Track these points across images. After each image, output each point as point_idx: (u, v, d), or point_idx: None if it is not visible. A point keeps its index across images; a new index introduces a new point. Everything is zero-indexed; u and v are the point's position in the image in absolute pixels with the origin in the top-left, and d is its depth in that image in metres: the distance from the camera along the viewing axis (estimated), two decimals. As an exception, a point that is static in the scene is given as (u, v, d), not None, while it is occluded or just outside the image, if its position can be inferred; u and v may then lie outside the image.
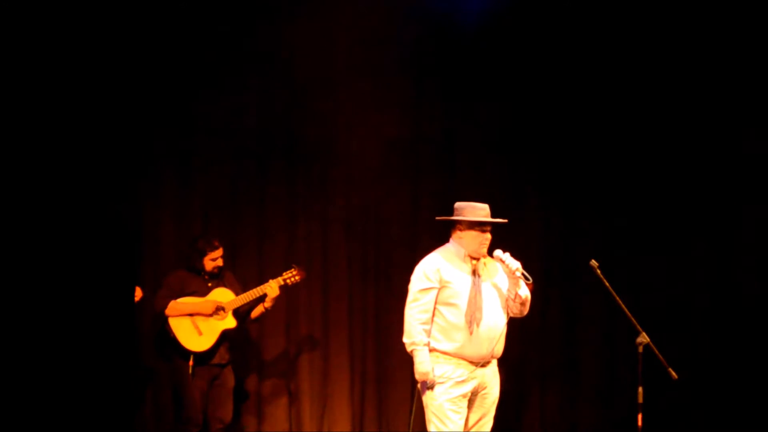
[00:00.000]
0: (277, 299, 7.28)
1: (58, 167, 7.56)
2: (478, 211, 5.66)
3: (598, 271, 5.63)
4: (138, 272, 7.81)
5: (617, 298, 5.61)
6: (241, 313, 7.24)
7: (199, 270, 7.23)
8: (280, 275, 7.27)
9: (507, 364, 7.93)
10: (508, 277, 5.68)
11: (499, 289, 5.67)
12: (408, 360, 5.75)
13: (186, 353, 7.08)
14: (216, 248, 7.24)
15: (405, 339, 5.61)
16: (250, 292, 7.18)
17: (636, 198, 7.98)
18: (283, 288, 7.32)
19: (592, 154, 8.06)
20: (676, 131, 7.94)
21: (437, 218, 5.85)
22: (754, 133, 7.76)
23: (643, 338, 5.54)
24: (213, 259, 7.22)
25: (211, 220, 7.93)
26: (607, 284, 5.63)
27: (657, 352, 5.57)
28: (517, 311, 5.72)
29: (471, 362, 5.55)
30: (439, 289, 5.57)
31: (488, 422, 5.69)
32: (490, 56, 8.04)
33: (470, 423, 5.63)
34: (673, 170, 7.94)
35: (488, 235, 5.65)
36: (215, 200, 7.98)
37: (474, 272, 5.62)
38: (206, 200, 7.97)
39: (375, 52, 7.90)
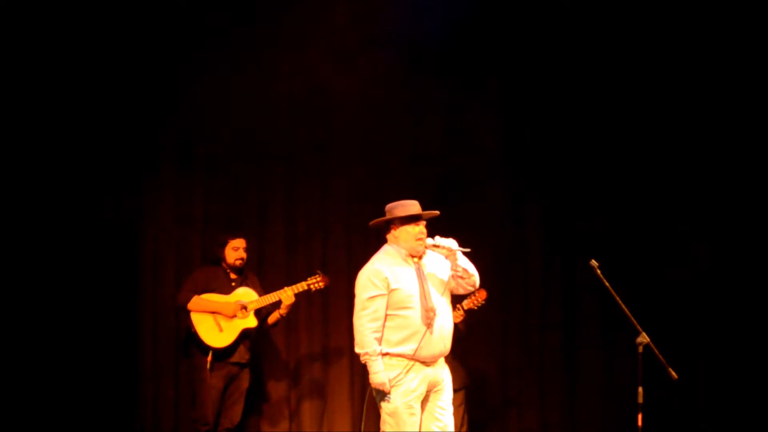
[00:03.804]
0: (292, 306, 7.27)
1: (59, 168, 7.58)
2: (409, 206, 5.60)
3: (598, 271, 5.62)
4: (138, 271, 7.83)
5: (617, 298, 5.60)
6: (261, 315, 7.26)
7: (221, 260, 7.25)
8: (304, 280, 7.27)
9: (508, 364, 8.02)
10: (448, 258, 5.62)
11: (443, 285, 5.63)
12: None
13: (205, 348, 7.10)
14: (238, 236, 7.28)
15: (357, 349, 5.54)
16: (267, 296, 7.20)
17: (637, 198, 7.98)
18: (307, 293, 7.33)
19: (592, 153, 8.06)
20: (677, 130, 7.94)
21: (370, 224, 5.77)
22: (756, 133, 7.77)
23: (643, 338, 5.53)
24: (235, 249, 7.24)
25: (211, 220, 7.94)
26: (607, 284, 5.62)
27: (657, 352, 5.57)
28: (470, 286, 5.66)
29: (424, 363, 5.53)
30: (388, 295, 5.51)
31: (447, 418, 5.61)
32: (489, 54, 8.05)
33: (426, 422, 5.58)
34: (674, 169, 7.94)
35: (423, 228, 5.59)
36: (216, 200, 7.99)
37: (419, 271, 5.59)
38: (207, 200, 7.98)
39: (375, 52, 7.91)
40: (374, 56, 7.92)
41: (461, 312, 6.99)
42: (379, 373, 5.47)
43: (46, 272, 7.50)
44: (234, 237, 7.30)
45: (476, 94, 8.06)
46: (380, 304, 5.50)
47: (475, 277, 5.66)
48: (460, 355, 7.23)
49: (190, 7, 7.79)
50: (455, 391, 7.05)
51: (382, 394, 5.52)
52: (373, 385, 5.52)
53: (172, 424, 7.83)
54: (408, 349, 5.49)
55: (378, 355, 5.48)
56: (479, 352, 7.78)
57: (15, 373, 7.38)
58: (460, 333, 7.10)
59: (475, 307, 7.02)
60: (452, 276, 5.64)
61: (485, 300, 7.02)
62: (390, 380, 5.49)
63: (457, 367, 7.16)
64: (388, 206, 5.66)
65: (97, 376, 7.54)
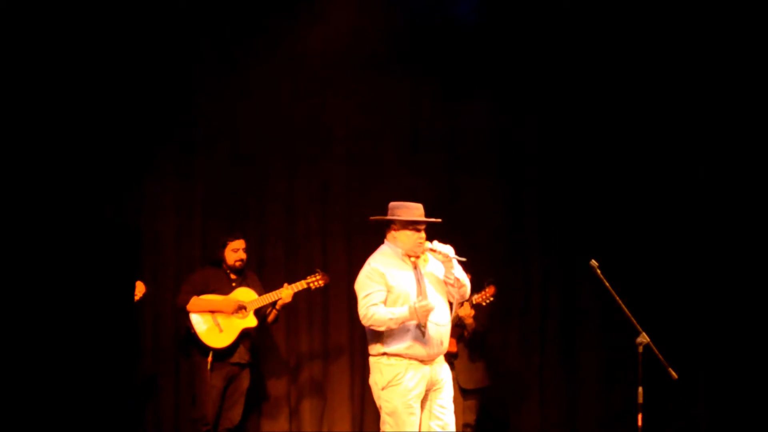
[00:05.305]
0: (287, 306, 7.32)
1: (59, 166, 7.56)
2: (413, 210, 5.61)
3: (598, 271, 5.62)
4: (139, 272, 7.83)
5: (617, 298, 5.60)
6: (261, 314, 7.27)
7: (221, 262, 7.27)
8: (303, 279, 7.29)
9: (507, 364, 8.02)
10: (444, 265, 5.63)
11: (440, 283, 5.64)
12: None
13: (205, 349, 7.13)
14: (237, 238, 7.31)
15: (381, 328, 5.48)
16: (267, 295, 7.23)
17: (636, 198, 7.98)
18: (307, 292, 7.37)
19: (592, 153, 8.06)
20: (676, 130, 7.95)
21: (371, 218, 5.79)
22: (755, 131, 7.78)
23: (643, 338, 5.54)
24: (234, 250, 7.28)
25: (211, 221, 7.94)
26: (607, 284, 5.62)
27: (657, 352, 5.57)
28: (459, 296, 5.69)
29: (422, 361, 5.53)
30: (386, 292, 5.52)
31: (448, 416, 5.61)
32: (489, 55, 8.06)
33: (426, 421, 5.57)
34: (674, 169, 7.94)
35: (422, 234, 5.60)
36: (216, 201, 7.99)
37: (415, 270, 5.60)
38: (207, 199, 7.98)
39: (375, 50, 7.92)
40: (374, 58, 7.93)
41: (470, 308, 6.98)
42: (406, 309, 5.40)
43: (46, 273, 7.47)
44: (233, 239, 7.33)
45: (476, 95, 8.06)
46: (380, 297, 5.51)
47: (466, 288, 5.69)
48: (476, 356, 7.23)
49: (190, 11, 7.79)
50: (468, 391, 7.10)
51: (383, 393, 5.50)
52: (421, 318, 5.40)
53: (172, 424, 7.83)
54: (405, 347, 5.49)
55: (397, 311, 5.42)
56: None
57: (14, 373, 7.36)
58: (472, 330, 7.12)
59: (484, 303, 7.02)
60: (444, 282, 5.65)
61: (493, 296, 7.02)
62: (389, 380, 5.50)
63: (472, 368, 7.18)
64: (392, 204, 5.66)
65: (96, 376, 7.53)
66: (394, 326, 5.45)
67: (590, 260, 5.66)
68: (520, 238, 8.15)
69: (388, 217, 5.65)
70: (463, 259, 5.59)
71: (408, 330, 5.50)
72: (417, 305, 5.40)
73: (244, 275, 7.36)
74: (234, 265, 7.29)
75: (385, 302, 5.51)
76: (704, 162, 7.89)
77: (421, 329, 5.49)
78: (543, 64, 8.03)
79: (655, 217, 7.94)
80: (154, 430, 7.84)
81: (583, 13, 7.93)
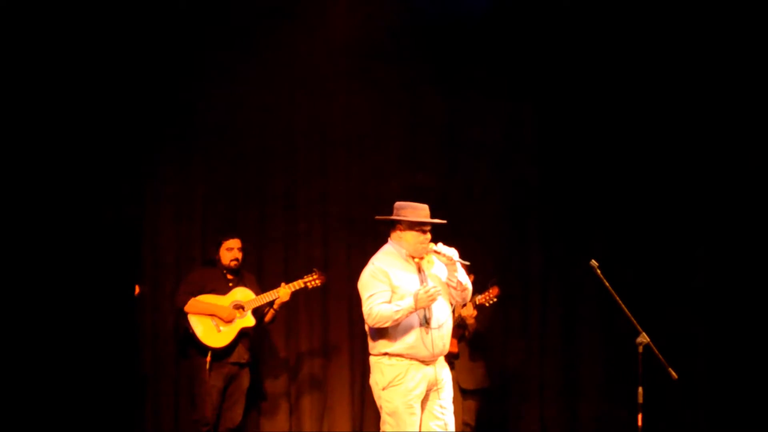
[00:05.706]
0: (285, 305, 7.32)
1: (60, 167, 7.57)
2: (419, 211, 5.57)
3: (598, 271, 5.62)
4: (139, 271, 7.84)
5: (617, 298, 5.60)
6: (259, 313, 7.28)
7: (216, 261, 7.29)
8: (301, 278, 7.28)
9: (507, 364, 8.02)
10: (447, 266, 5.60)
11: (443, 286, 5.61)
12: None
13: (204, 349, 7.12)
14: (232, 237, 7.30)
15: (387, 324, 5.43)
16: (264, 294, 7.23)
17: (637, 198, 7.97)
18: (304, 292, 7.36)
19: (592, 152, 8.06)
20: (678, 132, 7.94)
21: (376, 218, 5.74)
22: (755, 135, 7.78)
23: (643, 338, 5.53)
24: (229, 249, 7.26)
25: (211, 220, 7.94)
26: (607, 284, 5.62)
27: (657, 352, 5.57)
28: (461, 299, 5.68)
29: (423, 362, 5.51)
30: (391, 293, 5.48)
31: (448, 417, 5.58)
32: (488, 54, 8.06)
33: (426, 421, 5.55)
34: (675, 170, 7.94)
35: (428, 236, 5.56)
36: (216, 200, 8.00)
37: (419, 271, 5.59)
38: (207, 199, 7.99)
39: (375, 50, 7.92)
40: (374, 57, 7.93)
41: (473, 308, 6.98)
42: (411, 299, 5.37)
43: (47, 273, 7.49)
44: (227, 238, 7.32)
45: (476, 94, 8.06)
46: (385, 297, 5.46)
47: (468, 292, 5.67)
48: (476, 356, 7.23)
49: (190, 12, 7.79)
50: (468, 392, 7.10)
51: (384, 393, 5.51)
52: (424, 303, 5.38)
53: (172, 424, 7.83)
54: (407, 348, 5.48)
55: (403, 303, 5.39)
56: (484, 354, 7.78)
57: (15, 373, 7.37)
58: (473, 331, 7.12)
59: (487, 304, 7.02)
60: (447, 285, 5.65)
61: (497, 296, 7.01)
62: (390, 380, 5.50)
63: (472, 368, 7.18)
64: (398, 204, 5.63)
65: (97, 376, 7.54)
66: (400, 318, 5.41)
67: (590, 260, 5.66)
68: (520, 238, 8.15)
69: (394, 217, 5.62)
70: (467, 263, 5.58)
71: (410, 330, 5.49)
72: (422, 291, 5.38)
73: (241, 275, 7.35)
74: (229, 264, 7.28)
75: (389, 303, 5.48)
76: (704, 162, 7.88)
77: (423, 330, 5.49)
78: (543, 63, 8.03)
79: (656, 217, 7.93)
80: (154, 430, 7.83)
81: (583, 11, 7.93)
